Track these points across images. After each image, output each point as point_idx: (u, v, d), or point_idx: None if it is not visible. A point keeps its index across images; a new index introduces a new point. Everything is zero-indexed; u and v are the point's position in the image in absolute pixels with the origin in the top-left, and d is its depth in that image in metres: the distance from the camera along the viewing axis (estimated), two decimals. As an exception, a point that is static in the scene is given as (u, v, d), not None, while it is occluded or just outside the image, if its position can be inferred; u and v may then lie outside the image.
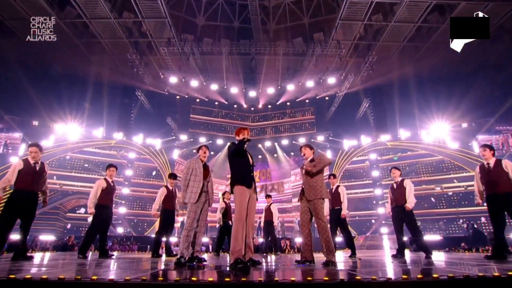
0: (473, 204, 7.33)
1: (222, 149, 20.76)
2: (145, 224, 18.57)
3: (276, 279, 1.92)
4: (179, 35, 15.42)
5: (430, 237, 12.46)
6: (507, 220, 4.21)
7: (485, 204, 4.34)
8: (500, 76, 14.88)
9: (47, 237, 11.65)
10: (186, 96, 21.05)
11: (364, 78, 17.28)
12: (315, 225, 3.72)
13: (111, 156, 18.74)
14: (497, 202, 4.10)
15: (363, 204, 19.17)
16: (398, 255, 5.03)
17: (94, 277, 1.82)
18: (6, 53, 14.33)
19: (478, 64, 15.70)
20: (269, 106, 22.36)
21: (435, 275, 1.87)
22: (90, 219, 5.37)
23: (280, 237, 11.69)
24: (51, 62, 16.44)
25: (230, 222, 6.89)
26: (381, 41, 15.10)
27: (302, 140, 20.39)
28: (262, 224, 8.77)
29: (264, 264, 3.79)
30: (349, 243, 5.53)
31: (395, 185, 5.31)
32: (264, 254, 7.85)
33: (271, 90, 19.17)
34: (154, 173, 19.84)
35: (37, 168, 4.20)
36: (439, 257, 5.26)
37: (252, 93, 19.75)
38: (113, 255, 5.46)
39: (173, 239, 9.25)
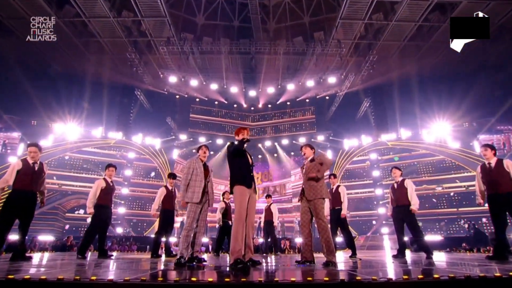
0: (474, 204, 7.31)
1: (222, 149, 20.75)
2: (145, 224, 18.55)
3: (276, 279, 1.91)
4: (179, 34, 15.39)
5: (431, 237, 12.45)
6: (508, 220, 4.19)
7: (486, 205, 4.32)
8: (501, 76, 14.88)
9: (46, 238, 11.64)
10: (186, 96, 21.03)
11: (365, 77, 17.26)
12: (315, 225, 3.71)
13: (110, 155, 18.72)
14: (498, 202, 4.08)
15: (363, 204, 19.17)
16: (399, 256, 5.02)
17: (93, 278, 1.82)
18: (4, 53, 14.31)
19: (479, 63, 15.69)
20: (269, 106, 22.34)
21: (436, 276, 1.86)
22: (89, 219, 5.35)
23: (280, 237, 11.68)
24: (50, 62, 16.42)
25: (230, 222, 6.87)
26: (382, 40, 15.08)
27: (302, 140, 20.37)
28: (262, 224, 8.75)
29: (264, 264, 3.77)
30: (349, 243, 5.51)
31: (395, 185, 5.29)
32: (264, 254, 7.84)
33: (271, 90, 19.15)
34: (152, 174, 19.82)
35: (36, 168, 4.18)
36: (440, 258, 5.25)
37: (252, 93, 19.72)
38: (112, 255, 5.44)
39: (172, 239, 9.23)
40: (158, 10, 13.37)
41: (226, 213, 7.07)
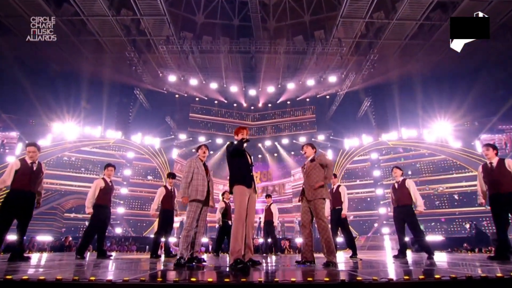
0: (475, 204, 7.29)
1: (222, 148, 20.74)
2: (144, 224, 18.53)
3: (276, 279, 1.90)
4: (178, 33, 15.36)
5: (432, 238, 12.41)
6: (510, 220, 4.17)
7: (487, 206, 4.29)
8: (503, 75, 14.84)
9: (44, 238, 11.58)
10: (185, 95, 21.00)
11: (366, 76, 17.23)
12: (316, 225, 3.68)
13: (109, 155, 18.69)
14: (500, 202, 4.06)
15: (364, 204, 19.16)
16: (400, 256, 4.99)
17: (92, 278, 1.81)
18: (2, 51, 14.26)
19: (480, 62, 15.64)
20: (269, 105, 22.33)
21: (437, 276, 1.84)
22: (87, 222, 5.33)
23: (280, 237, 11.66)
24: (48, 61, 16.38)
25: (229, 222, 6.85)
26: (383, 39, 15.04)
27: (302, 139, 20.36)
28: (262, 224, 8.73)
29: (264, 264, 3.76)
30: (350, 244, 5.48)
31: (396, 185, 5.26)
32: (264, 254, 7.82)
33: (271, 89, 19.13)
34: (149, 178, 19.74)
35: (34, 168, 4.15)
36: (441, 258, 5.23)
37: (252, 92, 19.70)
38: (111, 255, 5.42)
39: (172, 239, 9.22)
40: (158, 8, 13.33)
41: (226, 213, 7.05)
